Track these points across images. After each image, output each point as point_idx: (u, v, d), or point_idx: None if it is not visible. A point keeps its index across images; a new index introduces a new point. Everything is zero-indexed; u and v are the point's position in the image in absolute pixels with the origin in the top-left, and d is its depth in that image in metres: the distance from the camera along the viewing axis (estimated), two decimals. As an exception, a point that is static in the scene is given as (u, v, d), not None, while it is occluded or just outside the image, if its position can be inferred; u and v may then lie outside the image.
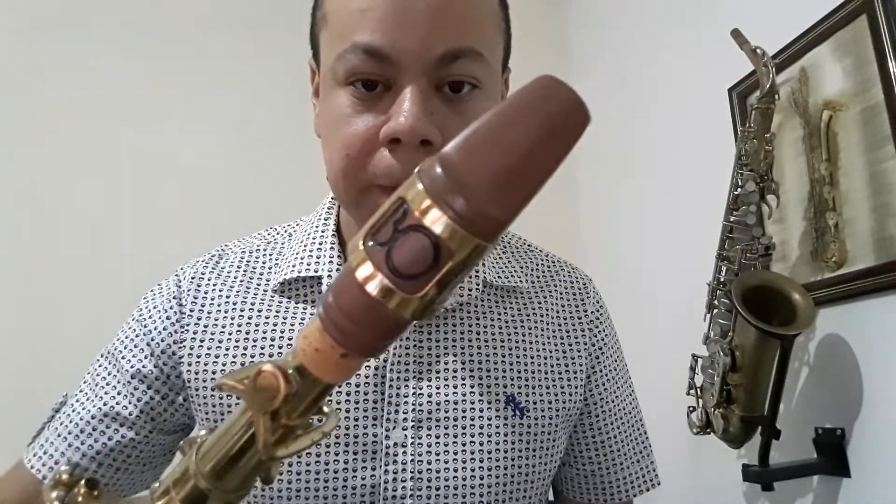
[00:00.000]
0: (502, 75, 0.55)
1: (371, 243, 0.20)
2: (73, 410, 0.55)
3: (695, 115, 1.39)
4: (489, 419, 0.53)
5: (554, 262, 0.65)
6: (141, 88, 1.61)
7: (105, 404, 0.55)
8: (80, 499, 0.26)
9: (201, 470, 0.25)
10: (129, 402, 0.55)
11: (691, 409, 1.09)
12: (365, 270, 0.20)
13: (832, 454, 0.96)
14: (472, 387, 0.53)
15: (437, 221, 0.19)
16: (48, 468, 0.53)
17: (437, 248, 0.19)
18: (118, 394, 0.55)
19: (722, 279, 1.03)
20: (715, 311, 1.04)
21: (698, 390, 1.08)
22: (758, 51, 1.02)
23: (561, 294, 0.62)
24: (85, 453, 0.53)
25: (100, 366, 0.58)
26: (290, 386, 0.22)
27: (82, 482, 0.26)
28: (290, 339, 0.54)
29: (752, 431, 1.01)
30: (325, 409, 0.26)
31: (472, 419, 0.52)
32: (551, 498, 0.65)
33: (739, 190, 1.02)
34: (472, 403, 0.53)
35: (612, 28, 1.79)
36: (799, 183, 1.08)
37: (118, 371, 0.56)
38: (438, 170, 0.19)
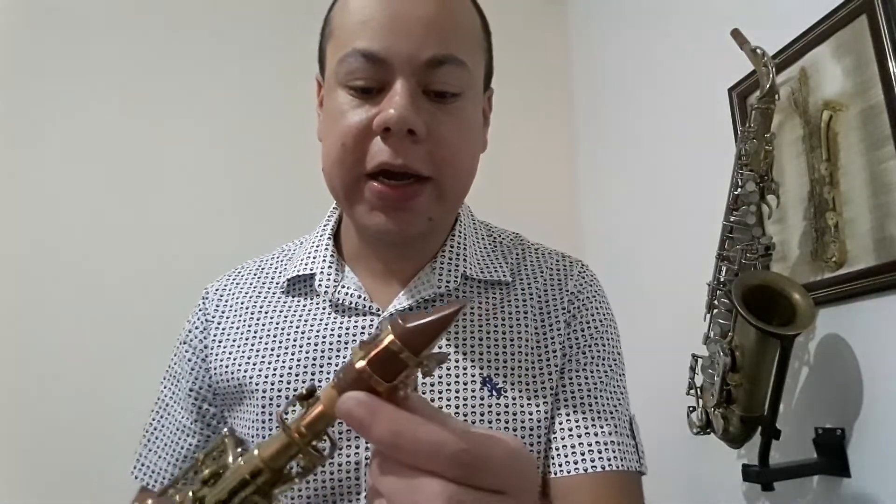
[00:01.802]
0: (484, 94, 0.61)
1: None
2: (155, 429, 0.66)
3: (695, 115, 1.39)
4: (465, 399, 0.56)
5: (543, 255, 0.68)
6: (142, 83, 1.61)
7: (177, 420, 0.65)
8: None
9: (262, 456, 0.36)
10: (191, 414, 0.64)
11: (691, 409, 1.09)
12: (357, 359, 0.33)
13: (832, 454, 0.96)
14: (448, 369, 0.57)
15: (385, 336, 0.33)
16: (149, 476, 0.65)
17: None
18: (182, 409, 0.65)
19: (722, 279, 1.03)
20: (715, 311, 1.04)
21: (698, 390, 1.08)
22: (758, 51, 1.02)
23: (546, 280, 0.65)
24: (169, 461, 0.64)
25: (165, 387, 0.67)
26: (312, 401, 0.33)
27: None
28: (288, 334, 0.61)
29: (752, 431, 1.01)
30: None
31: (449, 399, 0.55)
32: None
33: (739, 190, 1.02)
34: (449, 385, 0.56)
35: (612, 28, 1.79)
36: (799, 183, 1.08)
37: (179, 390, 0.66)
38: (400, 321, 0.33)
